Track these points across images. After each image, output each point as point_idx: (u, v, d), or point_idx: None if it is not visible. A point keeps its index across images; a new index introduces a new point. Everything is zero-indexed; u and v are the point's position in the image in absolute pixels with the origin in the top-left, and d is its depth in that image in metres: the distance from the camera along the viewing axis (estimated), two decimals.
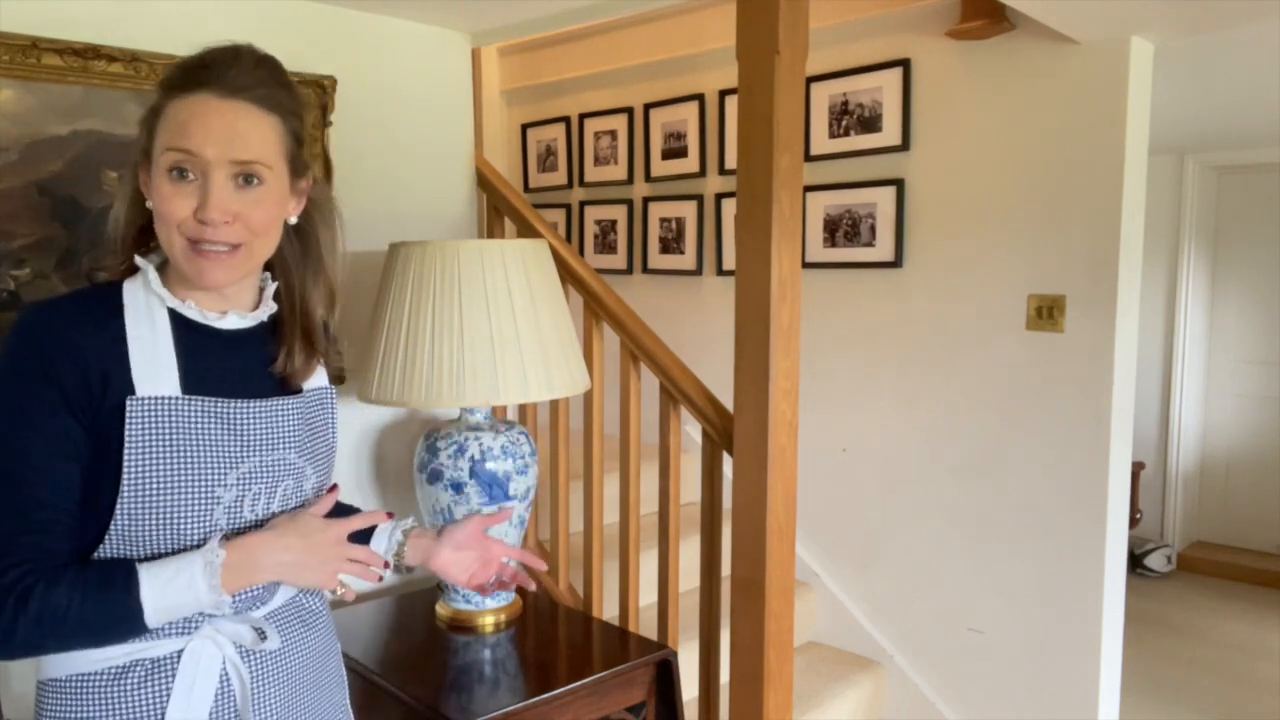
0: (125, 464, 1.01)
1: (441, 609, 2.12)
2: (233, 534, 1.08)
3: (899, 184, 2.77)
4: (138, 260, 1.09)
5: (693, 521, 2.87)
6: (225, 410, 1.08)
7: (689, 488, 3.03)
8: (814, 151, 2.93)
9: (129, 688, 1.04)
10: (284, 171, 1.09)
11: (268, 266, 1.19)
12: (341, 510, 1.40)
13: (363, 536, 1.33)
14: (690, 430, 3.22)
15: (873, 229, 2.83)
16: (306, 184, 1.16)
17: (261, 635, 1.11)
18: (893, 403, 2.85)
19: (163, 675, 1.05)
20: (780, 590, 1.91)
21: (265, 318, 1.17)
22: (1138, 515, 4.57)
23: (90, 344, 1.02)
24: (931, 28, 2.68)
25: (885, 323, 2.85)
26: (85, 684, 1.05)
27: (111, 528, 1.02)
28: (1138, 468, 4.56)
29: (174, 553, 1.04)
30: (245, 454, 1.10)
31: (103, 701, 1.04)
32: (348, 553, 1.14)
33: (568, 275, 2.35)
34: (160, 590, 0.99)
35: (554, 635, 2.10)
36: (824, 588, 3.03)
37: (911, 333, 2.80)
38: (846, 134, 2.86)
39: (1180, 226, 4.88)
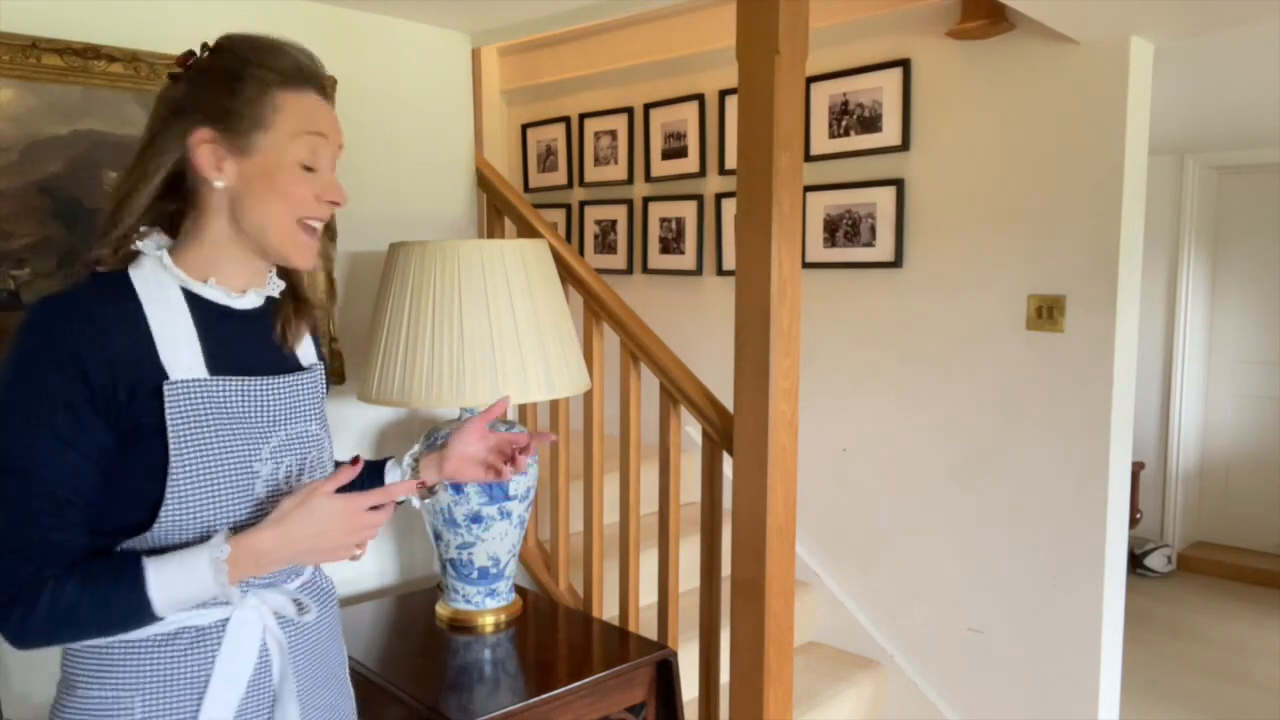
0: (172, 448, 1.03)
1: (441, 609, 2.12)
2: (241, 527, 1.09)
3: (899, 184, 2.77)
4: (147, 245, 1.09)
5: (693, 521, 2.87)
6: (251, 388, 1.11)
7: (689, 488, 3.03)
8: (814, 151, 2.92)
9: (176, 653, 1.07)
10: None
11: None
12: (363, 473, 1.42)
13: (374, 477, 1.36)
14: (690, 430, 3.22)
15: (873, 229, 2.83)
16: None
17: (299, 607, 1.16)
18: (893, 403, 2.85)
19: (208, 643, 1.09)
20: (780, 590, 1.91)
21: (276, 294, 1.20)
22: (1138, 515, 4.57)
23: (117, 332, 1.02)
24: (931, 28, 2.68)
25: (885, 323, 2.85)
26: (130, 649, 1.07)
27: (162, 512, 1.04)
28: (1138, 468, 4.56)
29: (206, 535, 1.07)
30: (274, 429, 1.13)
31: (149, 666, 1.07)
32: (367, 522, 1.11)
33: (568, 275, 2.35)
34: (168, 585, 1.01)
35: (554, 635, 2.10)
36: (824, 588, 3.03)
37: (911, 333, 2.80)
38: (846, 134, 2.86)
39: (1180, 226, 4.88)
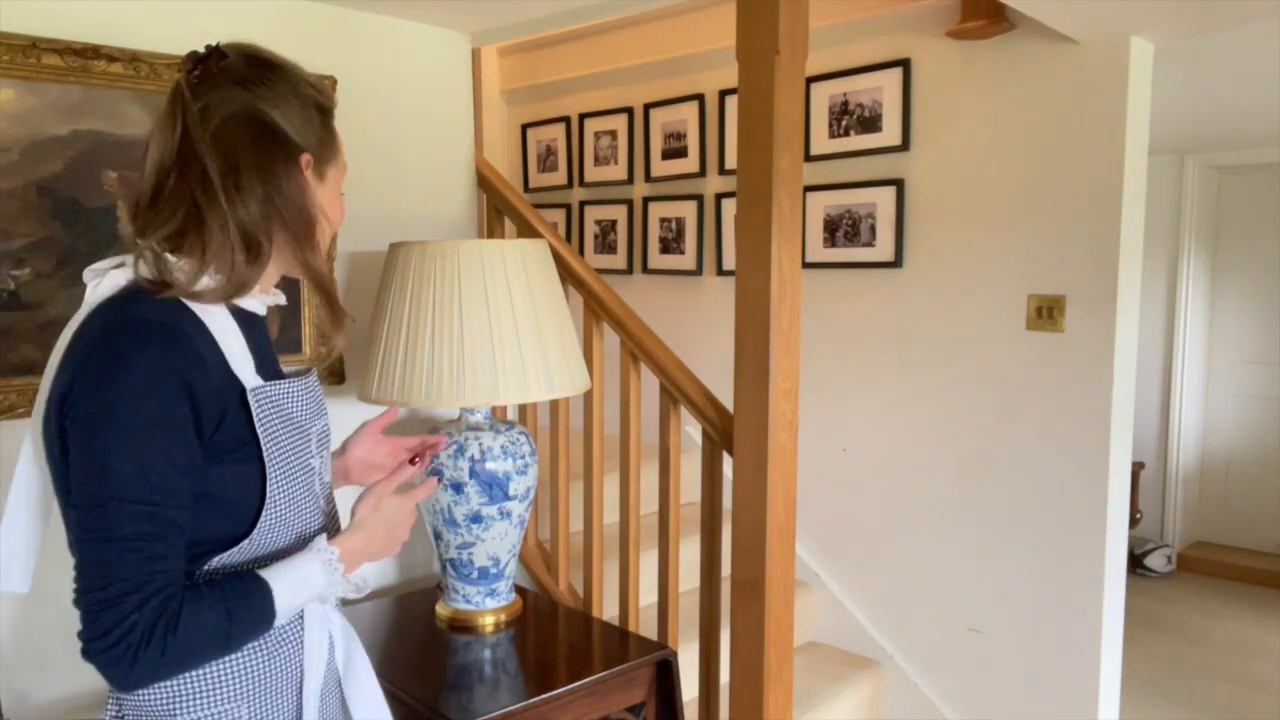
0: (266, 455, 1.06)
1: (441, 609, 2.12)
2: (326, 531, 1.17)
3: (899, 184, 2.77)
4: (211, 266, 1.06)
5: (693, 521, 2.87)
6: (295, 389, 1.16)
7: (689, 488, 3.03)
8: (814, 151, 2.92)
9: (266, 655, 1.10)
10: None
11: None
12: None
13: None
14: (690, 430, 3.22)
15: (873, 229, 2.83)
16: None
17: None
18: (893, 402, 2.85)
19: (290, 639, 1.13)
20: (780, 590, 1.91)
21: (283, 300, 1.24)
22: (1138, 515, 4.57)
23: (204, 351, 1.03)
24: (931, 28, 2.68)
25: (885, 323, 2.85)
26: (229, 661, 1.07)
27: (262, 519, 1.07)
28: (1138, 468, 4.56)
29: (297, 536, 1.12)
30: (311, 426, 1.18)
31: (248, 672, 1.08)
32: (414, 516, 1.25)
33: (568, 275, 2.35)
34: (288, 594, 1.06)
35: (554, 635, 2.10)
36: (824, 588, 3.03)
37: (911, 333, 2.80)
38: (846, 134, 2.86)
39: (1180, 226, 4.88)
